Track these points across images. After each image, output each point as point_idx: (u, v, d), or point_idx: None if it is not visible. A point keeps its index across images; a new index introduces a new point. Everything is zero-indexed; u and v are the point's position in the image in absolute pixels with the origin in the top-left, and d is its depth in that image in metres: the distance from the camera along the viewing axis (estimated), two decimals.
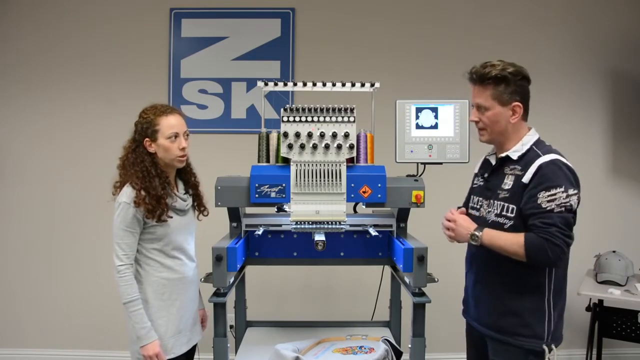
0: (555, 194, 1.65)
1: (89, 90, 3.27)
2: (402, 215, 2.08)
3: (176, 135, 1.91)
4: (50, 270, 3.29)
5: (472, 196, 1.98)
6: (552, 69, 3.25)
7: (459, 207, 2.09)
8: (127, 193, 1.86)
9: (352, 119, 1.92)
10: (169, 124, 1.90)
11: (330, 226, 1.93)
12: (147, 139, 1.90)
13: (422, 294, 1.82)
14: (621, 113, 3.29)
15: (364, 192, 1.92)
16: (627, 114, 3.27)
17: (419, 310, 1.81)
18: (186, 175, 2.05)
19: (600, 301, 2.90)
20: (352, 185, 1.92)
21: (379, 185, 1.92)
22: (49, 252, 3.29)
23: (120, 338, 3.11)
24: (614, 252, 2.91)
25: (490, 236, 1.73)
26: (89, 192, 3.22)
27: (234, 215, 2.05)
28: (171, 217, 1.91)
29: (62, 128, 3.28)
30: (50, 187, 3.28)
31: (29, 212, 3.29)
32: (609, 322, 2.94)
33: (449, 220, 1.86)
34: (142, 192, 1.84)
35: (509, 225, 1.74)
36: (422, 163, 2.11)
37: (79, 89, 3.27)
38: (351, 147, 1.92)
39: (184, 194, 2.01)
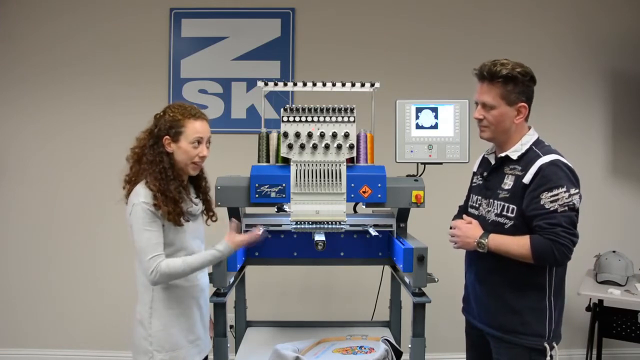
0: (557, 194, 1.66)
1: (89, 90, 3.27)
2: (402, 215, 2.08)
3: (199, 141, 1.84)
4: (50, 270, 3.29)
5: (471, 195, 1.99)
6: (552, 68, 3.24)
7: (459, 206, 2.09)
8: (143, 194, 1.76)
9: (352, 119, 1.92)
10: (195, 128, 1.83)
11: (330, 226, 1.93)
12: (167, 137, 1.82)
13: (422, 294, 1.82)
14: (621, 113, 3.29)
15: (364, 192, 1.93)
16: (627, 114, 3.27)
17: (419, 310, 1.81)
18: (198, 180, 1.97)
19: (600, 301, 2.90)
20: (352, 185, 1.92)
21: (379, 185, 1.92)
22: (49, 252, 3.29)
23: (120, 338, 3.12)
24: (614, 252, 2.91)
25: (497, 243, 1.74)
26: (90, 192, 3.22)
27: (234, 215, 2.05)
28: (188, 221, 1.84)
29: (62, 128, 3.28)
30: (50, 187, 3.28)
31: (29, 212, 3.29)
32: (609, 322, 2.94)
33: (453, 228, 1.86)
34: (160, 195, 1.75)
35: (509, 225, 1.75)
36: (422, 163, 2.11)
37: (79, 88, 3.27)
38: (351, 147, 1.92)
39: (195, 197, 1.94)
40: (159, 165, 1.79)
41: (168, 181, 1.78)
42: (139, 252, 1.74)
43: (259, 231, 1.88)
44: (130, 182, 1.84)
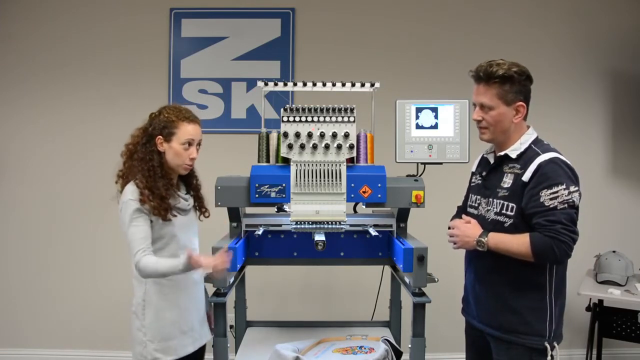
0: (557, 192, 1.66)
1: (89, 90, 3.27)
2: (402, 215, 2.08)
3: (190, 143, 1.90)
4: (49, 270, 3.29)
5: (470, 195, 1.99)
6: (552, 68, 3.25)
7: (458, 207, 2.09)
8: (130, 191, 1.84)
9: (352, 119, 1.92)
10: (188, 130, 1.89)
11: (330, 226, 1.93)
12: (160, 136, 1.88)
13: (422, 294, 1.82)
14: (621, 113, 3.29)
15: (364, 192, 1.92)
16: (627, 114, 3.27)
17: (419, 310, 1.81)
18: (189, 177, 2.03)
19: (600, 301, 2.90)
20: (352, 185, 1.92)
21: (379, 185, 1.92)
22: (48, 251, 3.29)
23: (120, 338, 3.12)
24: (614, 252, 2.91)
25: (496, 241, 1.73)
26: (89, 191, 3.22)
27: (234, 215, 2.05)
28: (175, 216, 1.90)
29: (62, 128, 3.28)
30: (50, 187, 3.28)
31: (29, 212, 3.29)
32: (609, 322, 2.94)
33: (452, 229, 1.86)
34: (147, 191, 1.83)
35: (509, 223, 1.75)
36: (422, 163, 2.11)
37: (79, 88, 3.27)
38: (351, 147, 1.92)
39: (185, 194, 2.00)
40: (149, 163, 1.87)
41: (156, 179, 1.86)
42: (130, 247, 1.82)
43: (224, 261, 1.75)
44: (123, 177, 1.93)
